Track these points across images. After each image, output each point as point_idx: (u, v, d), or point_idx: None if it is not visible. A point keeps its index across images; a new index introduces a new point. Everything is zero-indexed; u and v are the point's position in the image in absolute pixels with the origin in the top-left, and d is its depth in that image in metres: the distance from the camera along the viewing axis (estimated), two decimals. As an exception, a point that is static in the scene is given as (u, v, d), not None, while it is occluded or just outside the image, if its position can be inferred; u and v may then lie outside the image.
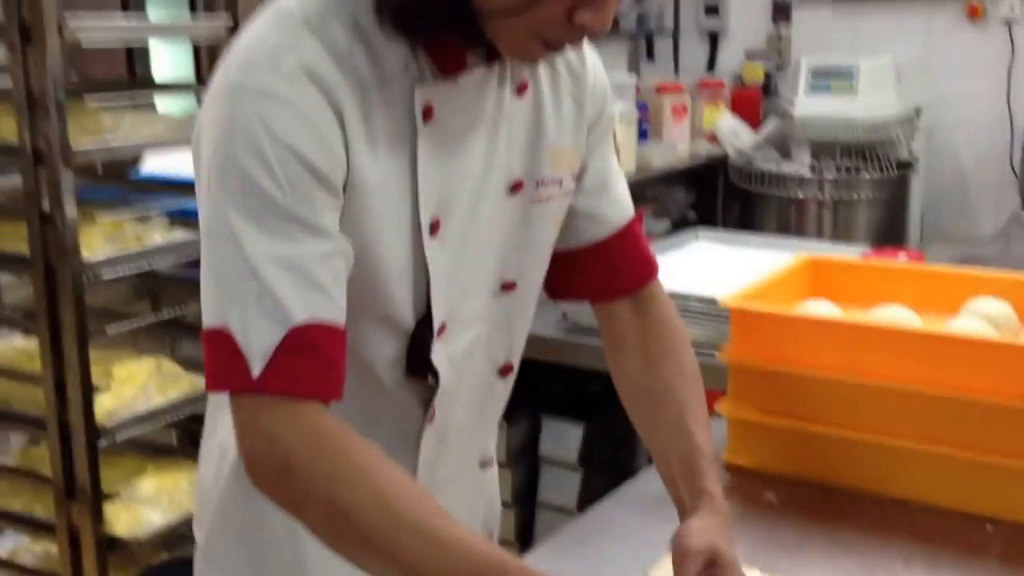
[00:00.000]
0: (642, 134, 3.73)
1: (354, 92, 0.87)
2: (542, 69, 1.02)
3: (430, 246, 0.93)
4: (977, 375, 1.18)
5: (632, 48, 4.51)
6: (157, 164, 2.22)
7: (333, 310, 0.86)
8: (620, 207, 1.12)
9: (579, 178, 1.09)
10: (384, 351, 0.96)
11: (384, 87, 0.89)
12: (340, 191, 0.87)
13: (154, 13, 2.82)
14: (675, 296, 1.82)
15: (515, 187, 1.01)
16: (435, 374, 0.98)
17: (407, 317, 0.95)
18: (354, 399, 0.91)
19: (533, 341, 1.90)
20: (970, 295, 1.41)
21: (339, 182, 0.87)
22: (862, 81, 3.63)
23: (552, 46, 0.89)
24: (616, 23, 3.94)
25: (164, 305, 2.20)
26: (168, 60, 2.88)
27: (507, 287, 1.05)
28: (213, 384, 0.86)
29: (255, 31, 0.89)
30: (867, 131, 3.56)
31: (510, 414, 2.12)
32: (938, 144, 4.02)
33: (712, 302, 1.73)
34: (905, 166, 3.57)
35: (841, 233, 3.53)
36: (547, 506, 2.22)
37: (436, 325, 0.96)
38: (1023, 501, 1.16)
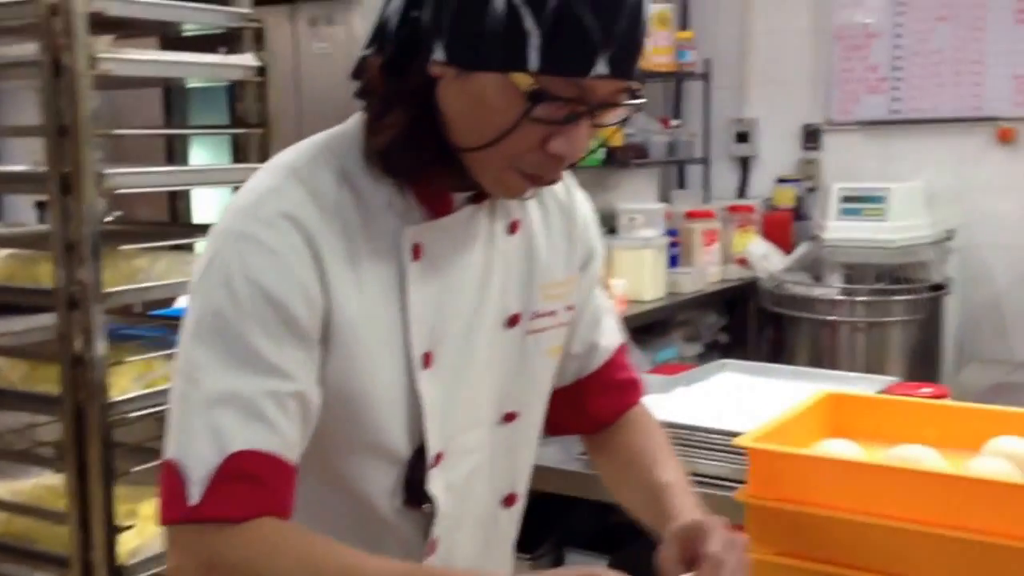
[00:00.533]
0: (672, 260, 3.77)
1: (340, 237, 0.92)
2: (532, 206, 1.06)
3: (422, 378, 0.96)
4: (999, 518, 1.15)
5: (663, 176, 4.59)
6: (190, 301, 2.28)
7: (278, 444, 0.88)
8: (610, 337, 1.16)
9: (575, 317, 1.11)
10: (380, 481, 0.98)
11: (371, 228, 0.94)
12: (311, 334, 0.91)
13: (196, 158, 2.95)
14: (696, 429, 1.82)
15: (512, 321, 1.04)
16: (432, 503, 0.99)
17: (402, 447, 0.97)
18: (352, 530, 0.93)
19: (554, 475, 1.91)
20: (993, 433, 1.38)
21: (311, 325, 0.90)
22: (893, 205, 3.66)
23: (532, 179, 0.93)
24: (645, 152, 4.02)
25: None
26: (209, 202, 3.00)
27: (508, 418, 1.07)
28: (161, 516, 0.89)
29: (250, 183, 0.95)
30: (899, 254, 3.56)
31: (533, 549, 2.10)
32: (972, 266, 4.00)
33: (733, 435, 1.72)
34: (939, 288, 3.55)
35: (874, 356, 3.49)
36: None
37: (432, 454, 0.98)
38: (1054, 652, 1.11)
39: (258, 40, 2.12)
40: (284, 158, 0.96)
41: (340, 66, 3.41)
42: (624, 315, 3.43)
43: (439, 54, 0.88)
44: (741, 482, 1.35)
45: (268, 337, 0.88)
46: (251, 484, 0.87)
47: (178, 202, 2.63)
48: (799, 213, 4.38)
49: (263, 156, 2.08)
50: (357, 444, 0.95)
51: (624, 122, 0.96)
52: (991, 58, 4.03)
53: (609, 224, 3.81)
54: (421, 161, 0.93)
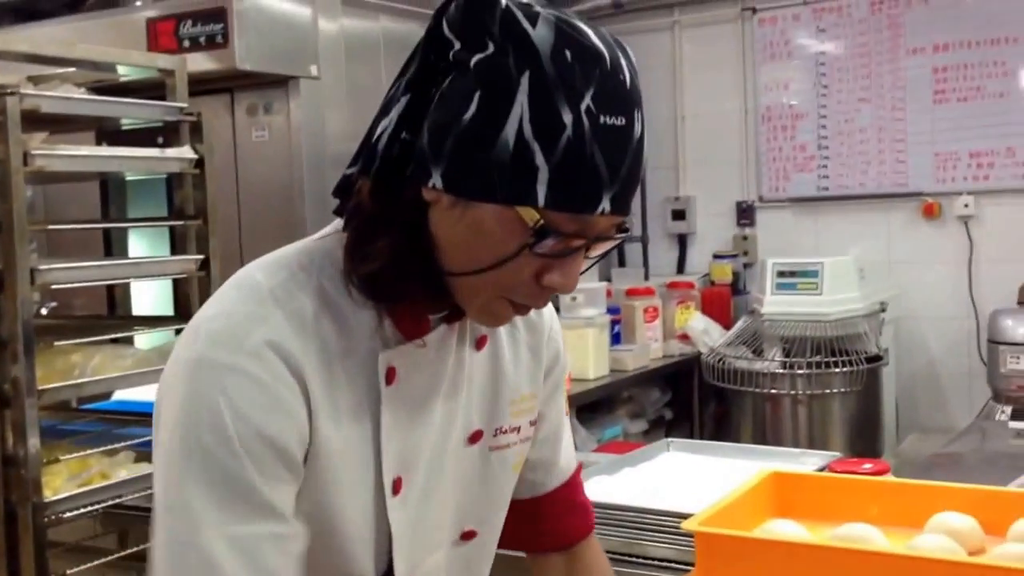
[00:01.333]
0: (615, 338, 3.80)
1: (319, 362, 0.88)
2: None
3: (392, 505, 0.93)
4: (943, 597, 1.16)
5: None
6: (128, 394, 2.24)
7: None
8: (568, 457, 1.14)
9: (535, 426, 1.10)
10: None
11: (350, 354, 0.90)
12: (301, 466, 0.87)
13: (136, 249, 2.92)
14: (644, 512, 1.82)
15: (473, 437, 1.02)
16: None
17: (368, 575, 0.94)
18: None
19: (502, 560, 1.88)
20: (935, 509, 1.40)
21: (301, 456, 0.87)
22: (826, 279, 3.74)
23: (519, 308, 0.91)
24: (585, 232, 4.07)
25: (132, 538, 2.16)
26: (149, 293, 2.96)
27: (467, 536, 1.04)
28: None
29: (221, 304, 0.89)
30: (834, 327, 3.64)
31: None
32: (906, 337, 4.10)
33: (680, 517, 1.72)
34: (875, 359, 3.62)
35: (817, 428, 3.54)
36: None
37: None
38: None
39: (196, 132, 2.12)
40: (256, 277, 0.90)
41: (278, 153, 3.44)
42: (569, 394, 3.43)
43: (436, 181, 0.85)
44: (689, 563, 1.35)
45: (264, 476, 0.84)
46: None
47: (116, 293, 2.59)
48: (737, 288, 4.46)
49: (202, 247, 2.07)
50: (322, 572, 0.91)
51: (609, 252, 0.94)
52: (912, 136, 4.19)
53: (552, 304, 3.83)
54: (407, 287, 0.90)
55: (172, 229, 2.22)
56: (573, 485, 1.14)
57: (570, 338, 3.58)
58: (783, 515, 1.44)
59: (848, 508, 1.43)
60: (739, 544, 1.31)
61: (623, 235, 0.90)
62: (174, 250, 2.24)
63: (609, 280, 4.24)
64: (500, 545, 1.15)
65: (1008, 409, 3.32)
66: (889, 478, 1.66)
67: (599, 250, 0.89)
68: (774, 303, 3.76)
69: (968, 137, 4.08)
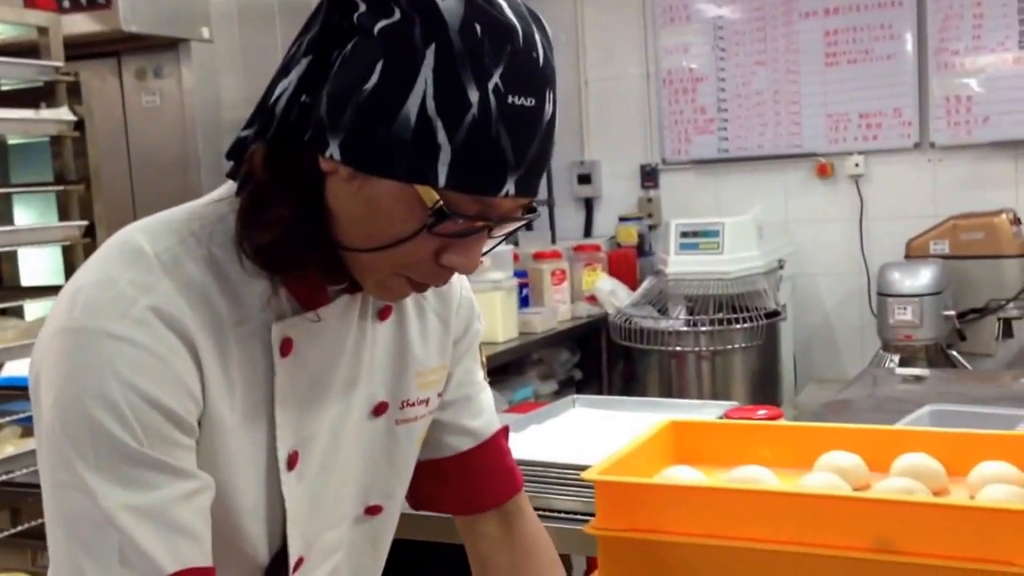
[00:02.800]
0: (523, 301, 3.83)
1: (210, 331, 0.85)
2: None
3: (287, 481, 0.91)
4: (827, 529, 1.22)
5: (510, 218, 4.67)
6: (12, 367, 2.18)
7: (201, 553, 0.82)
8: (484, 419, 1.12)
9: (448, 388, 1.08)
10: None
11: (242, 324, 0.87)
12: (196, 429, 0.84)
13: (22, 218, 2.83)
14: (549, 466, 1.86)
15: (378, 409, 0.99)
16: None
17: (261, 553, 0.91)
18: None
19: (409, 519, 1.88)
20: (823, 449, 1.47)
21: (195, 422, 0.84)
22: (727, 239, 3.84)
23: (417, 286, 0.89)
24: (491, 196, 4.08)
25: (24, 514, 2.11)
26: (41, 264, 2.87)
27: (372, 511, 1.02)
28: None
29: (101, 269, 0.84)
30: (735, 284, 3.74)
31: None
32: (802, 292, 4.24)
33: (583, 469, 1.76)
34: (774, 315, 3.74)
35: (720, 383, 3.65)
36: None
37: (292, 560, 0.93)
38: (885, 653, 1.18)
39: (75, 94, 2.05)
40: (140, 242, 0.85)
41: (171, 119, 3.36)
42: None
43: (334, 151, 0.81)
44: (593, 514, 1.38)
45: (162, 443, 0.81)
46: None
47: (4, 263, 2.51)
48: (642, 249, 4.54)
49: (86, 213, 2.01)
50: (215, 548, 0.87)
51: (515, 232, 0.91)
52: (806, 98, 4.31)
53: (458, 269, 3.84)
54: (302, 258, 0.87)
55: (58, 195, 2.15)
56: (491, 448, 1.12)
57: (478, 302, 3.59)
58: (681, 462, 1.49)
59: (743, 452, 1.48)
60: (636, 491, 1.35)
61: (529, 216, 0.88)
62: (61, 218, 2.18)
63: (516, 244, 4.27)
64: (420, 508, 1.14)
65: (896, 357, 3.47)
66: (781, 422, 1.73)
67: (503, 231, 0.87)
68: (678, 263, 3.85)
69: (858, 99, 4.21)
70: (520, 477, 1.18)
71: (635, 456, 1.46)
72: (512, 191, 0.82)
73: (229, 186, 0.92)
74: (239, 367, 0.87)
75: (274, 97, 0.86)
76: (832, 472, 1.40)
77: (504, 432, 1.16)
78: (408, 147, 0.80)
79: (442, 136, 0.79)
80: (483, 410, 1.14)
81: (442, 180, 0.80)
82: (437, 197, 0.81)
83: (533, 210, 0.88)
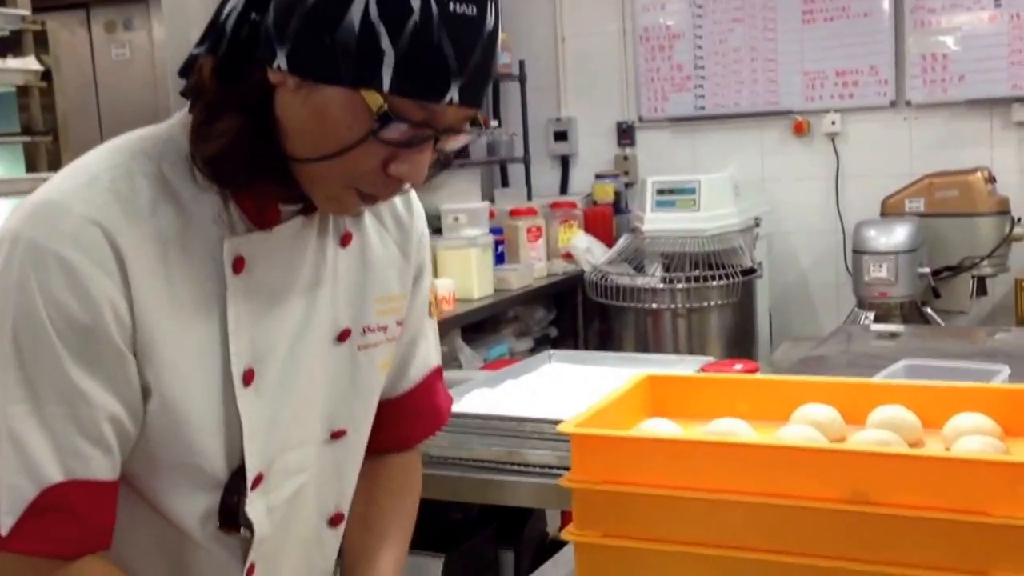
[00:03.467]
0: (499, 258, 3.81)
1: (154, 250, 0.86)
2: (368, 217, 1.03)
3: (243, 397, 0.92)
4: (803, 481, 1.22)
5: (486, 175, 4.64)
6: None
7: (98, 467, 0.85)
8: (426, 361, 1.14)
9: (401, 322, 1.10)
10: (194, 504, 0.93)
11: (191, 242, 0.88)
12: (124, 350, 0.86)
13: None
14: (524, 420, 1.85)
15: (342, 335, 1.00)
16: (250, 527, 0.95)
17: (219, 469, 0.93)
18: (164, 554, 0.89)
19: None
20: (799, 402, 1.46)
21: (123, 341, 0.86)
22: (703, 196, 3.83)
23: (367, 198, 0.90)
24: (465, 153, 4.05)
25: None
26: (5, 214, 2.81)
27: (337, 435, 1.03)
28: None
29: (53, 184, 0.87)
30: (711, 242, 3.73)
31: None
32: (779, 250, 4.25)
33: (558, 423, 1.76)
34: (750, 272, 3.75)
35: (696, 340, 3.65)
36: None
37: (251, 476, 0.94)
38: (859, 602, 1.19)
39: (41, 44, 2.00)
40: (91, 161, 0.89)
41: (140, 73, 3.29)
42: (453, 314, 3.45)
43: (281, 62, 0.84)
44: (569, 469, 1.38)
45: (76, 359, 0.83)
46: (66, 516, 0.82)
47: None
48: (618, 207, 4.52)
49: (54, 164, 1.97)
50: (169, 465, 0.91)
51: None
52: (783, 56, 4.28)
53: (434, 225, 3.82)
54: (252, 171, 0.88)
55: (25, 147, 2.10)
56: (424, 390, 1.14)
57: (453, 258, 3.58)
58: (657, 416, 1.49)
59: (719, 406, 1.48)
60: (612, 443, 1.34)
61: (475, 129, 0.90)
62: (29, 170, 2.13)
63: (492, 201, 4.24)
64: None
65: (871, 315, 3.48)
66: (757, 376, 1.73)
67: (450, 144, 0.89)
68: (654, 220, 3.84)
69: (834, 56, 4.19)
70: (444, 416, 1.20)
71: (611, 409, 1.45)
72: (456, 99, 0.84)
73: (184, 110, 0.94)
74: (187, 283, 0.88)
75: (224, 14, 0.88)
76: (808, 425, 1.40)
77: (439, 371, 1.16)
78: (353, 53, 0.82)
79: (385, 41, 0.82)
80: (428, 353, 1.16)
81: (386, 84, 0.82)
82: (382, 102, 0.83)
83: (478, 123, 0.90)
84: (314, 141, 0.85)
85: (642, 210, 3.92)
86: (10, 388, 0.82)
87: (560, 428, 1.35)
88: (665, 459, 1.30)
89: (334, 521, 1.06)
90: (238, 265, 0.90)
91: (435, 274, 3.57)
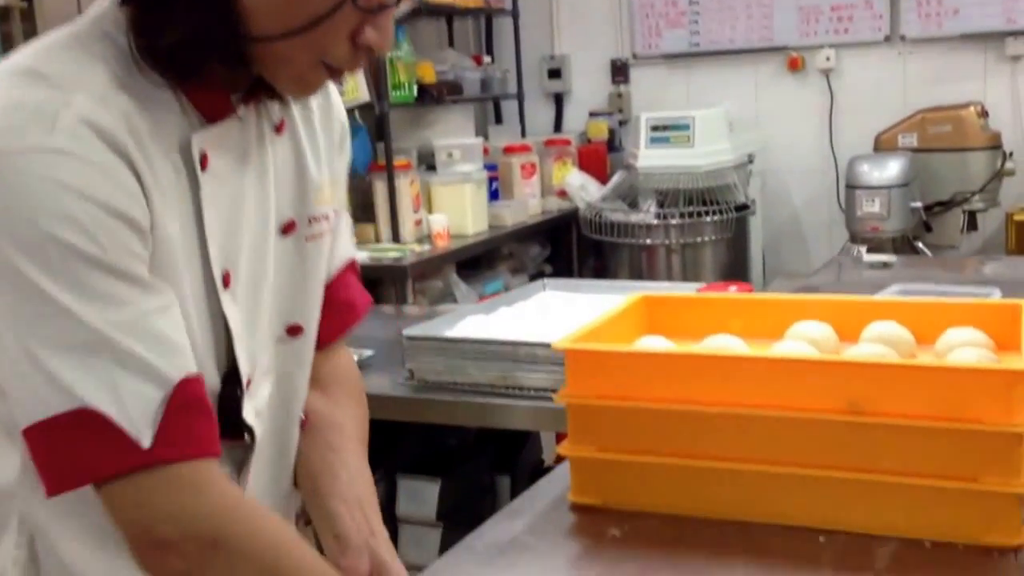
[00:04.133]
0: (493, 194, 3.80)
1: (135, 144, 0.81)
2: (294, 105, 0.98)
3: (225, 300, 0.89)
4: (798, 393, 1.23)
5: (479, 112, 4.61)
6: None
7: (191, 360, 0.81)
8: (340, 253, 1.09)
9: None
10: None
11: (159, 137, 0.83)
12: (151, 242, 0.82)
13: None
14: (519, 344, 1.86)
15: (288, 228, 0.97)
16: (251, 432, 0.93)
17: (211, 377, 0.90)
18: None
19: (383, 401, 1.91)
20: (794, 320, 1.47)
21: (148, 232, 0.81)
22: (698, 132, 3.81)
23: (335, 72, 0.86)
24: (458, 89, 4.02)
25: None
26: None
27: (293, 331, 1.00)
28: (75, 477, 0.76)
29: (18, 90, 0.79)
30: (705, 178, 3.72)
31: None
32: (772, 187, 4.24)
33: (549, 347, 1.77)
34: (743, 209, 3.74)
35: (689, 275, 3.66)
36: (408, 566, 2.18)
37: (244, 379, 0.92)
38: (849, 510, 1.20)
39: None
40: (26, 65, 0.80)
41: None
42: (448, 250, 3.45)
43: None
44: None
45: (128, 253, 0.78)
46: (198, 411, 0.79)
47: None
48: (613, 145, 4.50)
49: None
50: None
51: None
52: (778, -11, 4.23)
53: (427, 161, 3.80)
54: (210, 60, 0.83)
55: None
56: (340, 282, 1.08)
57: (447, 194, 3.57)
58: (652, 334, 1.49)
59: (713, 325, 1.48)
60: (607, 358, 1.35)
61: None
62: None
63: (486, 138, 4.22)
64: None
65: (863, 249, 3.48)
66: (751, 295, 1.73)
67: (403, 5, 0.85)
68: (648, 157, 3.82)
69: (831, -10, 4.14)
70: (360, 309, 1.13)
71: (606, 328, 1.45)
72: None
73: (99, 7, 0.86)
74: (167, 182, 0.84)
75: None
76: (802, 341, 1.40)
77: (354, 264, 1.12)
78: None
79: None
80: (344, 245, 1.10)
81: None
82: None
83: None
84: (282, 16, 0.80)
85: (636, 147, 3.90)
86: (76, 301, 0.75)
87: (555, 344, 1.36)
88: (660, 374, 1.30)
89: (303, 422, 1.03)
90: (203, 162, 0.86)
91: (429, 209, 3.56)
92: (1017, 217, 3.64)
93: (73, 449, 0.76)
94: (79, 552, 0.86)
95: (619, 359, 1.34)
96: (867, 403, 1.19)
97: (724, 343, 1.40)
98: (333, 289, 1.07)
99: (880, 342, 1.36)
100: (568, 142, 4.27)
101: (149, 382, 0.77)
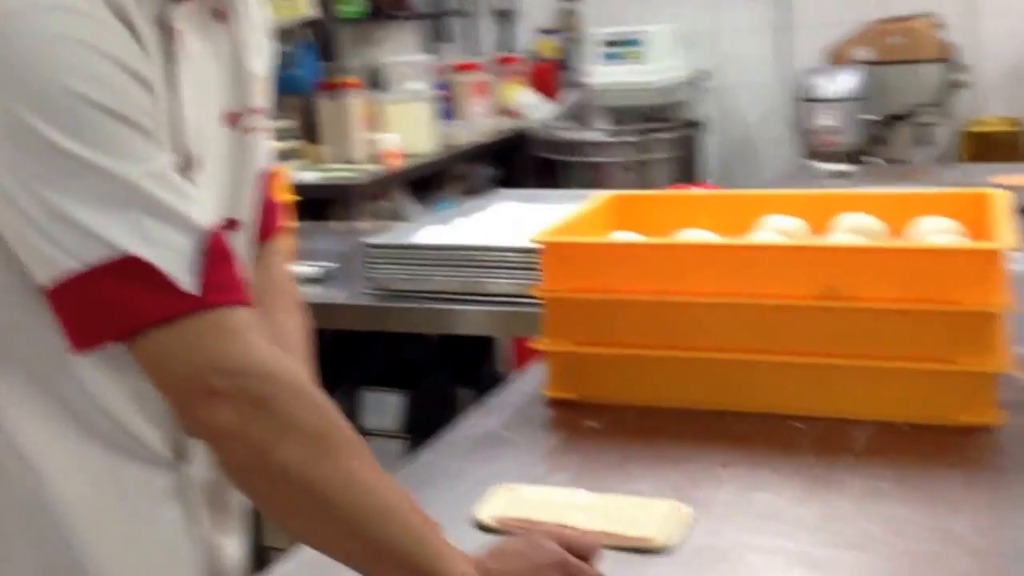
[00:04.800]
0: (444, 114, 3.73)
1: (131, 7, 0.78)
2: None
3: (195, 188, 0.84)
4: (775, 281, 1.22)
5: (428, 30, 4.50)
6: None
7: (210, 212, 0.79)
8: (270, 149, 1.06)
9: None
10: None
11: (141, 7, 0.79)
12: (153, 103, 0.79)
13: None
14: (486, 249, 1.83)
15: (231, 118, 0.93)
16: None
17: None
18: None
19: (344, 311, 1.87)
20: (764, 215, 1.46)
21: (153, 93, 0.78)
22: (650, 48, 3.77)
23: None
24: (406, 4, 3.91)
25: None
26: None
27: (231, 226, 0.94)
28: (116, 328, 0.73)
29: None
30: (658, 95, 3.70)
31: (331, 391, 2.07)
32: (726, 104, 4.22)
33: (521, 251, 1.74)
34: (697, 126, 3.72)
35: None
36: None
37: None
38: (826, 396, 1.21)
39: None
40: None
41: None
42: (400, 170, 3.38)
43: None
44: (528, 297, 1.36)
45: (143, 111, 0.75)
46: (230, 258, 0.76)
47: None
48: (563, 64, 4.43)
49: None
50: None
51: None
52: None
53: (374, 79, 3.71)
54: None
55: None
56: (270, 183, 1.05)
57: (398, 113, 3.49)
58: (624, 230, 1.47)
59: (685, 220, 1.47)
60: (584, 251, 1.33)
61: None
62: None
63: (436, 55, 4.13)
64: None
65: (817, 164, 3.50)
66: (721, 191, 1.72)
67: None
68: (600, 74, 3.78)
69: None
70: (282, 211, 1.12)
71: (579, 226, 1.43)
72: None
73: None
74: (153, 50, 0.80)
75: None
76: (773, 232, 1.40)
77: (275, 173, 1.10)
78: None
79: None
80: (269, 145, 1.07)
81: None
82: None
83: None
84: None
85: (588, 64, 3.85)
86: (109, 158, 0.72)
87: (532, 239, 1.33)
88: (637, 265, 1.29)
89: None
90: (178, 39, 0.82)
91: (379, 129, 3.48)
92: (971, 129, 3.68)
93: (114, 300, 0.73)
94: (36, 441, 0.81)
95: (596, 251, 1.32)
96: (844, 288, 1.18)
97: (698, 236, 1.38)
98: (264, 188, 1.03)
99: (852, 233, 1.36)
100: (519, 60, 4.20)
101: (181, 231, 0.74)
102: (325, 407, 0.78)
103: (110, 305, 0.73)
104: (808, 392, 1.22)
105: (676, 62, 3.82)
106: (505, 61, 4.16)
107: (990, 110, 3.78)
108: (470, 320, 1.81)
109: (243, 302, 0.76)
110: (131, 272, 0.73)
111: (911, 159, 3.60)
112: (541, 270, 1.33)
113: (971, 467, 1.11)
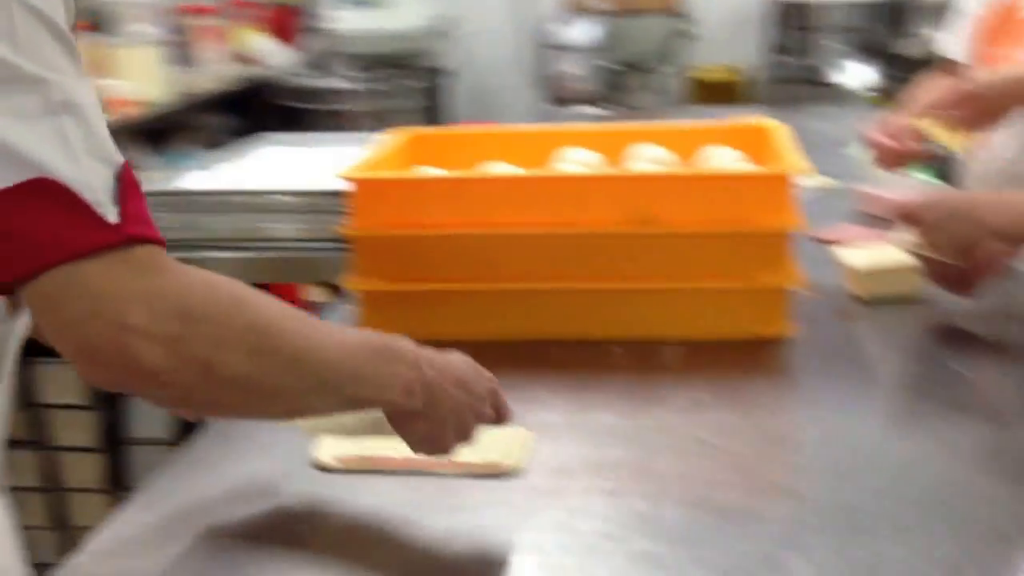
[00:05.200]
0: (176, 59, 3.49)
1: None
2: None
3: None
4: (585, 210, 1.24)
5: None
6: None
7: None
8: None
9: None
10: None
11: None
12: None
13: None
14: (268, 194, 1.73)
15: None
16: None
17: None
18: None
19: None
20: (558, 147, 1.48)
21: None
22: (394, -5, 3.70)
23: None
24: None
25: None
26: None
27: None
28: (33, 259, 0.62)
29: None
30: (402, 42, 3.66)
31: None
32: (470, 52, 4.25)
33: (304, 194, 1.68)
34: (442, 73, 3.72)
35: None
36: (140, 443, 2.09)
37: None
38: (638, 320, 1.25)
39: None
40: None
41: None
42: (132, 119, 3.13)
43: None
44: (312, 239, 1.31)
45: (72, 32, 0.67)
46: (143, 196, 0.68)
47: None
48: (303, 9, 4.27)
49: None
50: None
51: None
52: None
53: (98, 21, 3.39)
54: None
55: None
56: None
57: (126, 58, 3.22)
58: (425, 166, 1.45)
59: (484, 155, 1.47)
60: (394, 187, 1.30)
61: None
62: None
63: (163, -2, 3.84)
64: None
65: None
66: (517, 126, 1.73)
67: None
68: (341, 20, 3.68)
69: None
70: None
71: (380, 163, 1.38)
72: None
73: None
74: None
75: None
76: (572, 164, 1.42)
77: None
78: None
79: None
80: None
81: None
82: None
83: None
84: None
85: (330, 10, 3.73)
86: (57, 66, 0.64)
87: (340, 174, 1.27)
88: (451, 200, 1.27)
89: None
90: None
91: (107, 75, 3.20)
92: (697, 76, 3.95)
93: (32, 226, 0.62)
94: None
95: (409, 187, 1.29)
96: (654, 213, 1.23)
97: (506, 169, 1.38)
98: None
99: (648, 163, 1.41)
100: (256, 5, 4.00)
101: (102, 160, 0.66)
102: (243, 300, 0.72)
103: (28, 232, 0.62)
104: (622, 317, 1.26)
105: (419, 11, 3.79)
106: (241, 5, 3.94)
107: (714, 59, 4.07)
108: (254, 267, 1.72)
109: (160, 240, 0.69)
110: (51, 193, 0.63)
111: (646, 105, 3.80)
112: (349, 209, 1.28)
113: (775, 375, 1.20)
